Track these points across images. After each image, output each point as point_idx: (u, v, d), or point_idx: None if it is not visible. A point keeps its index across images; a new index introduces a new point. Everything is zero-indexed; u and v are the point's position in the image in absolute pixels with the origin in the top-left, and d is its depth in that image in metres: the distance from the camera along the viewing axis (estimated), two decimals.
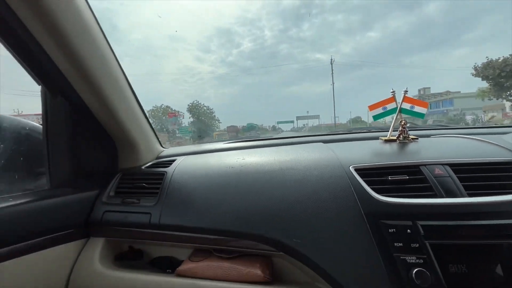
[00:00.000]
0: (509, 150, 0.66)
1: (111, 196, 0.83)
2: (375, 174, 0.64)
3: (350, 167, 0.66)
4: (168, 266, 0.74)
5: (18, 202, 0.66)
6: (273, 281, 0.65)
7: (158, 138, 1.06)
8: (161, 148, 1.08)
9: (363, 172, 0.64)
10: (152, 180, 0.83)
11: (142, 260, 0.79)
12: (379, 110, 0.86)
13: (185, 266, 0.68)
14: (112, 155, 0.93)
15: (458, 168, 0.61)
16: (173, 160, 0.92)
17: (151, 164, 0.94)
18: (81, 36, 0.63)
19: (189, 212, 0.70)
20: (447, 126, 1.12)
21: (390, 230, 0.54)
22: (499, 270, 0.49)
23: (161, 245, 0.77)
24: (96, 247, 0.76)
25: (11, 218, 0.63)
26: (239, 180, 0.73)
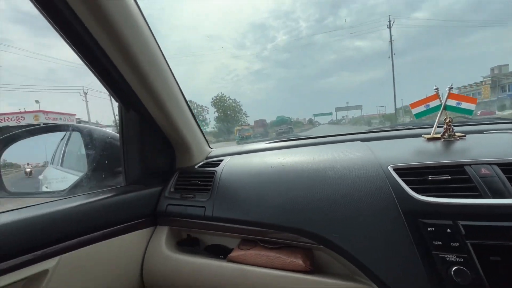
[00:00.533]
0: None
1: (171, 192, 0.98)
2: (415, 174, 0.64)
3: (389, 167, 0.67)
4: (220, 252, 0.86)
5: (104, 196, 0.84)
6: (314, 271, 0.71)
7: (206, 140, 1.20)
8: (209, 149, 1.20)
9: (402, 171, 0.65)
10: (204, 178, 0.95)
11: (198, 247, 0.93)
12: (422, 108, 0.84)
13: (235, 253, 0.78)
14: (171, 156, 1.09)
15: (508, 168, 0.59)
16: (221, 160, 1.03)
17: (202, 164, 1.07)
18: (148, 58, 0.76)
19: (237, 206, 0.80)
20: (506, 119, 1.02)
21: (429, 229, 0.55)
22: None
23: (213, 234, 0.89)
24: (162, 234, 0.92)
25: (100, 209, 0.81)
26: (280, 178, 0.80)
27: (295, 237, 0.71)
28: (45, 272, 0.64)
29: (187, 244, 0.93)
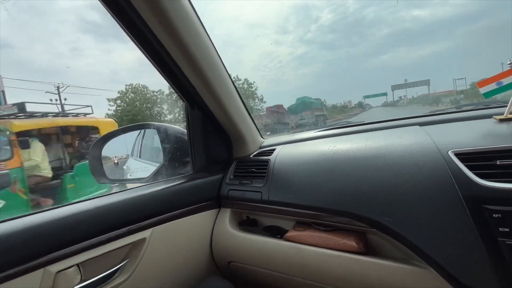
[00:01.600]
0: None
1: (231, 178, 1.10)
2: (480, 159, 0.60)
3: (449, 152, 0.64)
4: (277, 233, 0.95)
5: (177, 182, 1.00)
6: (368, 253, 0.73)
7: (259, 130, 1.29)
8: (262, 139, 1.29)
9: (465, 156, 0.62)
10: (259, 166, 1.05)
11: (257, 227, 1.04)
12: (492, 86, 0.75)
13: (291, 234, 0.86)
14: (229, 147, 1.21)
15: None
16: (273, 149, 1.11)
17: (256, 153, 1.16)
18: (208, 61, 0.87)
19: (290, 191, 0.87)
20: None
21: (494, 215, 0.53)
22: None
23: (270, 216, 0.99)
24: (226, 215, 1.05)
25: (175, 192, 0.97)
26: (331, 165, 0.83)
27: (347, 220, 0.74)
28: (143, 240, 0.83)
29: (247, 224, 1.05)
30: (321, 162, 0.87)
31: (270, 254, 0.88)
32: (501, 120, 0.74)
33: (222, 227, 1.03)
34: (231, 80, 1.03)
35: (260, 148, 1.23)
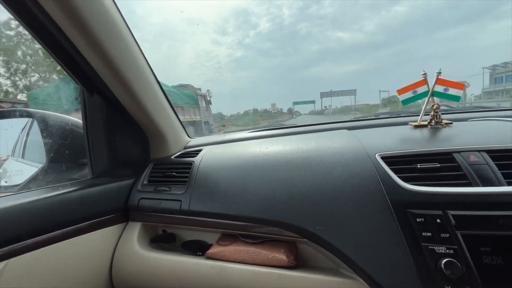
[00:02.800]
0: None
1: (145, 184, 0.89)
2: (403, 162, 0.61)
3: (376, 155, 0.64)
4: (198, 249, 0.80)
5: (66, 190, 0.75)
6: (298, 266, 0.67)
7: (185, 129, 1.11)
8: (188, 139, 1.13)
9: (390, 160, 0.63)
10: (181, 169, 0.88)
11: (174, 243, 0.86)
12: (409, 94, 0.81)
13: (214, 250, 0.72)
14: (144, 146, 1.00)
15: (496, 155, 0.57)
16: (200, 150, 0.96)
17: (179, 154, 0.99)
18: (110, 35, 0.67)
19: (216, 199, 0.74)
20: (487, 108, 1.03)
21: (418, 220, 0.53)
22: None
23: (191, 229, 0.83)
24: (134, 231, 0.84)
25: (62, 205, 0.72)
26: (263, 169, 0.75)
27: (278, 230, 0.67)
28: None
29: (162, 240, 0.86)
30: (252, 165, 0.78)
31: (187, 276, 0.72)
32: (416, 126, 0.80)
33: (127, 247, 0.81)
34: (151, 69, 0.85)
35: (185, 148, 1.07)
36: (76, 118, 0.94)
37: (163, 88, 0.93)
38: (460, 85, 0.76)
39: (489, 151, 0.58)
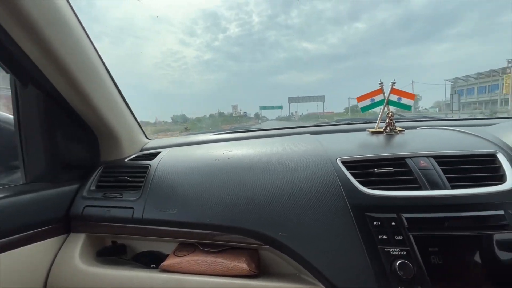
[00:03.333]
0: (491, 142, 0.67)
1: (92, 190, 0.79)
2: (361, 167, 0.64)
3: (337, 160, 0.66)
4: (152, 261, 0.73)
5: None
6: (260, 274, 0.65)
7: (142, 129, 1.03)
8: (146, 140, 1.04)
9: (350, 164, 0.64)
10: (135, 173, 0.81)
11: (125, 256, 0.77)
12: (367, 102, 0.85)
13: (170, 261, 0.66)
14: (93, 147, 0.89)
15: (442, 160, 0.62)
16: (158, 152, 0.90)
17: (134, 157, 0.91)
18: (51, 19, 0.58)
19: (173, 206, 0.69)
20: (434, 117, 1.14)
21: (375, 223, 0.54)
22: (478, 259, 0.50)
23: (145, 239, 0.75)
24: (77, 243, 0.73)
25: None
26: (225, 173, 0.72)
27: (239, 238, 0.64)
28: None
29: (110, 253, 0.77)
30: (214, 168, 0.74)
31: None
32: (373, 133, 0.85)
33: (66, 263, 0.70)
34: (103, 62, 0.76)
35: (142, 150, 0.98)
36: (6, 113, 0.80)
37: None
38: (412, 95, 0.82)
39: (435, 157, 0.63)
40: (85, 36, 0.70)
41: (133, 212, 0.70)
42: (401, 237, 0.52)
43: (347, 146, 0.75)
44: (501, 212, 0.52)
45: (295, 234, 0.58)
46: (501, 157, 0.62)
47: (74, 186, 0.79)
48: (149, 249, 0.76)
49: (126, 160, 0.89)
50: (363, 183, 0.60)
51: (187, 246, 0.71)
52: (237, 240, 0.64)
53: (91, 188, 0.80)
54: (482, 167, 0.60)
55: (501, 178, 0.58)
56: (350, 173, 0.62)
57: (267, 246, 0.61)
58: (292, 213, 0.60)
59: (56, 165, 0.80)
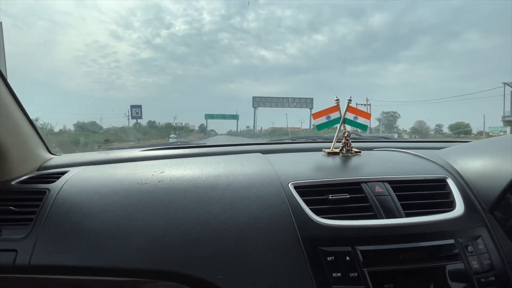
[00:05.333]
0: (441, 166, 0.69)
1: None
2: (315, 192, 0.59)
3: (289, 184, 0.60)
4: None
5: None
6: None
7: (44, 142, 0.79)
8: (49, 156, 0.82)
9: (303, 190, 0.59)
10: (24, 202, 0.62)
11: None
12: (323, 119, 0.79)
13: None
14: None
15: (396, 185, 0.61)
16: (64, 172, 0.70)
17: (27, 178, 0.70)
18: None
19: (76, 246, 0.54)
20: (389, 139, 1.16)
21: (328, 258, 0.50)
22: None
23: None
24: None
25: None
26: (154, 200, 0.59)
27: (168, 285, 0.52)
28: None
29: None
30: (139, 194, 0.60)
31: None
32: (329, 153, 0.79)
33: None
34: None
35: (41, 169, 0.75)
36: None
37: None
38: (368, 115, 0.79)
39: (390, 182, 0.61)
40: None
41: (15, 256, 0.53)
42: (356, 274, 0.49)
43: (300, 168, 0.69)
44: (452, 241, 0.52)
45: (238, 278, 0.50)
46: (450, 182, 0.63)
47: None
48: None
49: (13, 182, 0.67)
50: (317, 211, 0.55)
51: None
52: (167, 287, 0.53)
53: None
54: (434, 193, 0.61)
55: (451, 205, 0.58)
56: (302, 199, 0.57)
57: None
58: (234, 251, 0.51)
59: None
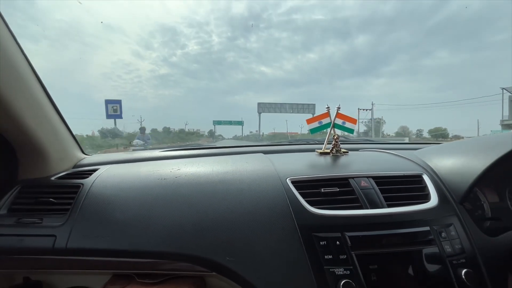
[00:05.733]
0: (418, 164, 0.76)
1: (2, 215, 0.65)
2: (309, 186, 0.65)
3: (287, 179, 0.67)
4: None
5: None
6: None
7: (78, 143, 0.91)
8: (82, 155, 0.92)
9: (299, 184, 0.66)
10: (63, 194, 0.69)
11: None
12: (315, 124, 0.90)
13: None
14: (8, 162, 0.75)
15: (379, 180, 0.67)
16: (95, 170, 0.80)
17: (65, 175, 0.79)
18: None
19: (107, 232, 0.60)
20: (372, 141, 1.26)
21: (321, 243, 0.55)
22: (411, 273, 0.54)
23: (68, 273, 0.64)
24: None
25: None
26: (172, 193, 0.66)
27: (185, 266, 0.58)
28: None
29: None
30: (159, 188, 0.68)
31: None
32: (321, 153, 0.89)
33: None
34: (30, 65, 0.67)
35: (76, 167, 0.86)
36: None
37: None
38: (354, 120, 0.90)
39: (374, 177, 0.68)
40: (10, 36, 0.61)
41: (54, 241, 0.60)
42: (345, 256, 0.54)
43: (297, 166, 0.77)
44: (427, 228, 0.58)
45: (243, 258, 0.56)
46: (426, 178, 0.69)
47: None
48: (74, 286, 0.65)
49: (53, 178, 0.77)
50: (311, 203, 0.61)
51: (122, 278, 0.62)
52: (181, 268, 0.59)
53: (1, 212, 0.66)
54: (412, 187, 0.67)
55: (426, 197, 0.65)
56: (299, 192, 0.63)
57: (214, 273, 0.57)
58: (240, 235, 0.58)
59: None
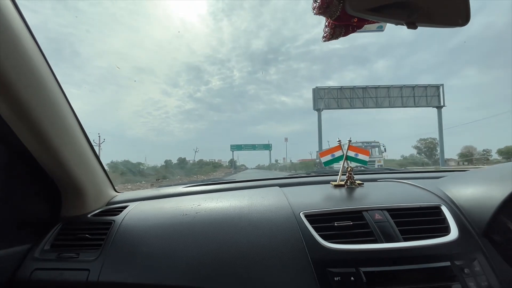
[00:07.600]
0: (436, 195, 0.74)
1: (45, 251, 0.73)
2: (323, 220, 0.67)
3: (301, 213, 0.68)
4: None
5: None
6: None
7: (111, 182, 1.01)
8: (114, 193, 1.01)
9: (312, 218, 0.67)
10: (97, 230, 0.77)
11: None
12: (328, 157, 0.93)
13: None
14: (53, 202, 0.85)
15: (394, 213, 0.67)
16: (125, 207, 0.87)
17: (99, 212, 0.87)
18: (22, 72, 0.57)
19: (134, 266, 0.65)
20: (391, 170, 1.24)
21: (335, 278, 0.55)
22: None
23: None
24: None
25: None
26: (192, 228, 0.71)
27: None
28: None
29: None
30: (181, 224, 0.73)
31: None
32: (335, 186, 0.90)
33: None
34: (73, 111, 0.76)
35: (109, 204, 0.95)
36: None
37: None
38: (366, 152, 0.92)
39: (389, 210, 0.68)
40: (58, 88, 0.69)
41: (88, 275, 0.65)
42: None
43: (311, 199, 0.79)
44: (448, 263, 0.56)
45: None
46: (444, 209, 0.68)
47: (24, 247, 0.73)
48: None
49: (89, 215, 0.85)
50: (324, 237, 0.62)
51: None
52: None
53: (45, 248, 0.74)
54: (430, 219, 0.66)
55: (446, 230, 0.63)
56: (312, 226, 0.64)
57: None
58: (256, 269, 0.60)
59: (7, 222, 0.74)
